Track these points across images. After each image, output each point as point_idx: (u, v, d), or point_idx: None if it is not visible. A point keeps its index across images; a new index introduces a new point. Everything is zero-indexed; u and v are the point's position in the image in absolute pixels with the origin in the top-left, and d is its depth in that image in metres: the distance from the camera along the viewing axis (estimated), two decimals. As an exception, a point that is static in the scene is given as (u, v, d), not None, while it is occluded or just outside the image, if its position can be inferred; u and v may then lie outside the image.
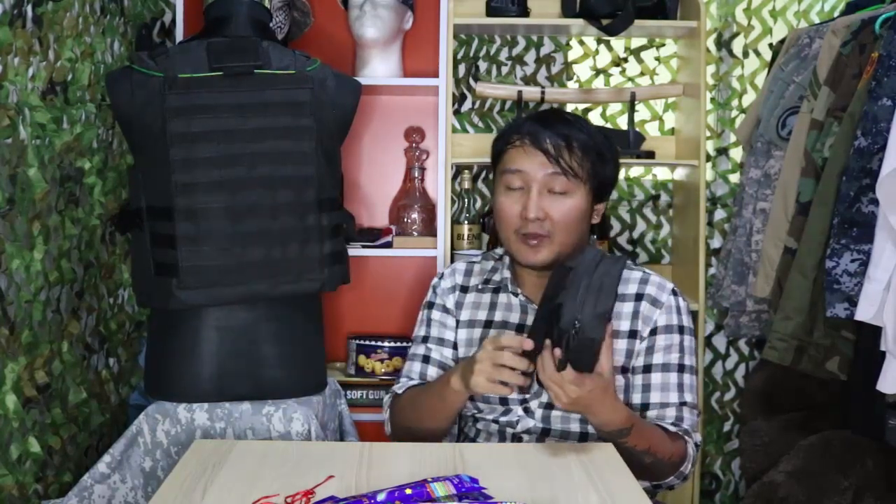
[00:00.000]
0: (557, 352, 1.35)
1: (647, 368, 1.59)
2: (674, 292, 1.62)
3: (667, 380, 1.58)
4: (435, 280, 1.76)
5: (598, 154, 1.58)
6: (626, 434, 1.46)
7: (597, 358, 1.37)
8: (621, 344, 1.60)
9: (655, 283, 1.62)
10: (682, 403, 1.58)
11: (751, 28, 2.79)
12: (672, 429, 1.55)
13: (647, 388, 1.59)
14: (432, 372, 1.68)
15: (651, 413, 1.58)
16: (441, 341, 1.69)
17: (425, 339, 1.71)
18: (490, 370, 1.40)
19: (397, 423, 1.67)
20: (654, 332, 1.60)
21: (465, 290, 1.71)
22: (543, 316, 1.40)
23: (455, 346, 1.69)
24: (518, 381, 1.40)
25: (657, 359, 1.59)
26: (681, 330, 1.60)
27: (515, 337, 1.42)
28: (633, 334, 1.60)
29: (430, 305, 1.73)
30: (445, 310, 1.71)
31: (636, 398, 1.59)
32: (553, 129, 1.57)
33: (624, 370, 1.60)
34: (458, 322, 1.69)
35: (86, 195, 2.02)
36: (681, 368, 1.59)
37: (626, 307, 1.61)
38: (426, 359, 1.69)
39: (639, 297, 1.61)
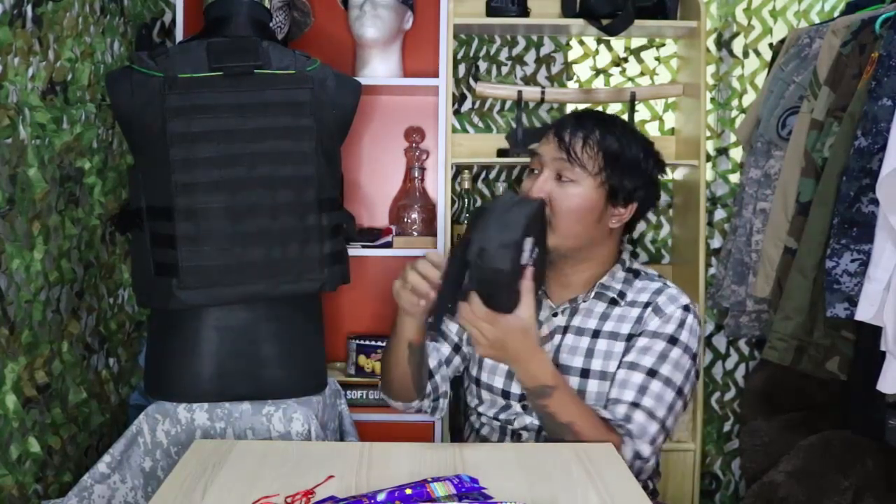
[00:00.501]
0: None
1: (617, 366, 1.58)
2: (685, 308, 1.59)
3: (628, 377, 1.54)
4: None
5: (617, 158, 1.58)
6: (548, 394, 1.44)
7: (514, 298, 1.37)
8: (618, 347, 1.59)
9: (668, 295, 1.61)
10: (635, 405, 1.51)
11: (751, 28, 2.79)
12: (609, 417, 1.50)
13: (610, 384, 1.56)
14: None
15: (605, 408, 1.54)
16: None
17: None
18: (406, 274, 1.47)
19: (382, 371, 1.70)
20: (641, 334, 1.58)
21: None
22: (456, 256, 1.41)
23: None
24: (422, 287, 1.44)
25: (628, 357, 1.56)
26: (671, 340, 1.56)
27: (439, 254, 1.48)
28: (629, 338, 1.59)
29: None
30: None
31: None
32: (579, 123, 1.60)
33: None
34: None
35: (86, 195, 2.02)
36: (651, 373, 1.53)
37: (633, 312, 1.61)
38: None
39: (647, 305, 1.60)
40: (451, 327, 1.72)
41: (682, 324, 1.58)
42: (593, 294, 1.63)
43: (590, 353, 1.60)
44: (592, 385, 1.58)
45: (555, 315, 1.65)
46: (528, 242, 1.38)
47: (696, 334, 1.59)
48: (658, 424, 1.51)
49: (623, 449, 1.48)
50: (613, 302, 1.63)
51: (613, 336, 1.60)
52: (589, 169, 1.57)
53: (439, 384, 1.69)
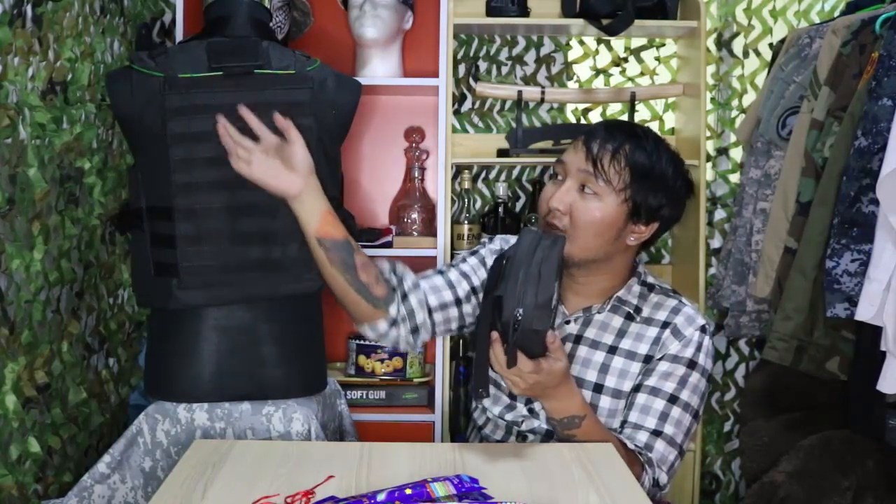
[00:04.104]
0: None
1: (636, 388, 1.56)
2: (703, 329, 1.59)
3: (650, 403, 1.53)
4: (485, 239, 1.77)
5: (644, 176, 1.54)
6: (577, 424, 1.44)
7: (546, 343, 1.35)
8: (635, 367, 1.58)
9: (686, 316, 1.60)
10: (657, 432, 1.52)
11: (751, 28, 2.79)
12: (631, 447, 1.50)
13: (628, 406, 1.56)
14: (438, 280, 1.66)
15: (624, 432, 1.54)
16: (463, 274, 1.67)
17: (451, 266, 1.70)
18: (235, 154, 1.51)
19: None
20: (662, 358, 1.57)
21: None
22: (486, 308, 1.37)
23: (474, 291, 1.67)
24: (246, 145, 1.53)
25: (649, 381, 1.55)
26: (690, 365, 1.56)
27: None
28: (647, 359, 1.58)
29: (473, 253, 1.73)
30: (483, 262, 1.70)
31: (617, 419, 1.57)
32: (611, 134, 1.55)
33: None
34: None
35: (86, 195, 2.02)
36: (672, 399, 1.53)
37: (651, 332, 1.59)
38: (441, 272, 1.69)
39: (665, 325, 1.59)
40: (463, 284, 1.66)
41: (699, 347, 1.58)
42: (609, 307, 1.62)
43: (604, 369, 1.59)
44: (605, 401, 1.57)
45: (567, 323, 1.63)
46: (556, 287, 1.36)
47: (712, 355, 1.60)
48: (677, 451, 1.53)
49: (643, 477, 1.48)
50: (629, 317, 1.61)
51: (630, 355, 1.58)
52: (614, 184, 1.53)
53: (415, 309, 1.61)
